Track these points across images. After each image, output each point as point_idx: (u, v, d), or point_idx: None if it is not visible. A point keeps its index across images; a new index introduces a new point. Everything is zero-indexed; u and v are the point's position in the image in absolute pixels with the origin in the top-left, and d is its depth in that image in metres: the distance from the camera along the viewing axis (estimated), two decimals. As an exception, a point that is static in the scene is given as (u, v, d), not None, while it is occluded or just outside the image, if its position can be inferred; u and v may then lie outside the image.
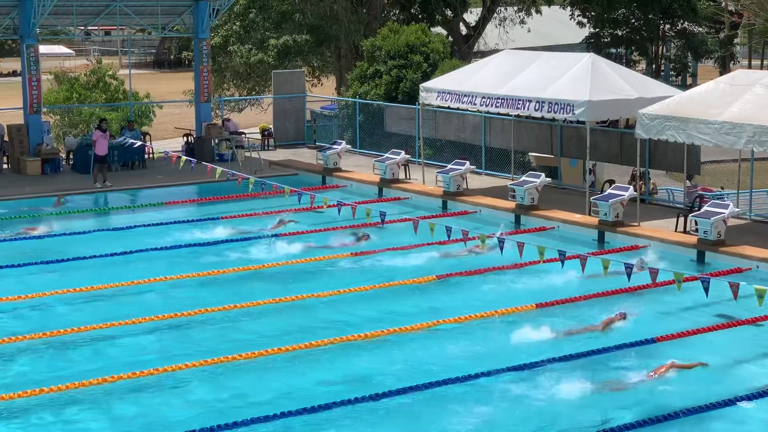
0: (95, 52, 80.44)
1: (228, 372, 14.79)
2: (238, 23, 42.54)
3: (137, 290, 18.72)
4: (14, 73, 72.80)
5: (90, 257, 20.72)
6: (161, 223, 23.72)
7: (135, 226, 23.58)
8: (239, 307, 17.51)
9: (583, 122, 24.17)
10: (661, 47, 54.96)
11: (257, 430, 12.76)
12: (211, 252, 21.37)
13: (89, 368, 14.86)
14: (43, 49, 35.10)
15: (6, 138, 30.01)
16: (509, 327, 16.55)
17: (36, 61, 29.85)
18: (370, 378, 14.64)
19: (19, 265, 20.05)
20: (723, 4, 57.93)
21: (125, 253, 21.04)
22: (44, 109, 31.69)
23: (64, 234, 22.74)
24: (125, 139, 29.01)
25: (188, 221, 24.04)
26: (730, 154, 28.44)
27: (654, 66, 53.56)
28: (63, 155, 30.83)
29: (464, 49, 46.58)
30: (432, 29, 39.59)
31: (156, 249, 21.46)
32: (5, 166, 30.19)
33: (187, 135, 33.44)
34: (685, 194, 24.82)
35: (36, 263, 20.22)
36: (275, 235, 22.48)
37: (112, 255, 20.86)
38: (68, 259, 20.58)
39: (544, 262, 17.42)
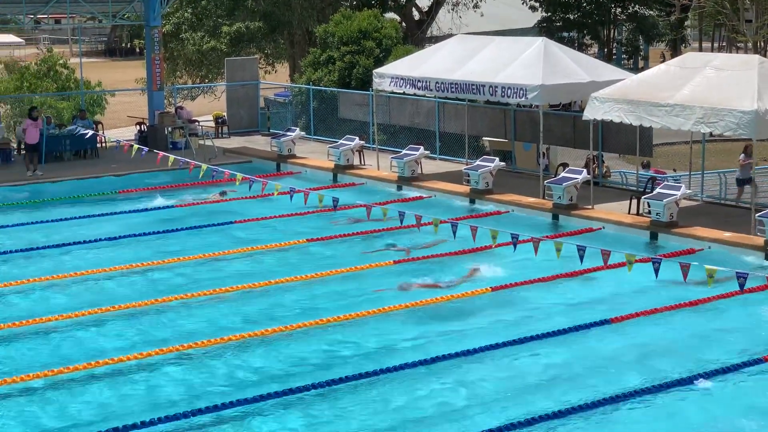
0: (46, 40, 79.44)
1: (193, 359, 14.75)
2: (189, 10, 42.18)
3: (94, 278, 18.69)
4: (-37, 63, 71.83)
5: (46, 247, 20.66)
6: (112, 213, 23.60)
7: (84, 217, 23.34)
8: (207, 294, 17.48)
9: (537, 106, 24.25)
10: (612, 31, 55.17)
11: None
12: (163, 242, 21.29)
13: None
14: (-9, 38, 34.58)
15: (-45, 129, 29.58)
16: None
17: (-16, 51, 29.37)
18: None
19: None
20: (673, -13, 58.24)
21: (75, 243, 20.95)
22: (-6, 99, 31.25)
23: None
24: (77, 128, 28.68)
25: (141, 210, 23.90)
26: (683, 136, 28.68)
27: (606, 50, 53.75)
28: (14, 145, 30.43)
29: (417, 34, 46.50)
30: (385, 15, 39.46)
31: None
32: (-46, 157, 29.74)
33: (139, 123, 33.14)
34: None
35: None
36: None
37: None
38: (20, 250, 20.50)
39: (496, 246, 17.44)
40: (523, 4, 53.91)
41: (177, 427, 12.53)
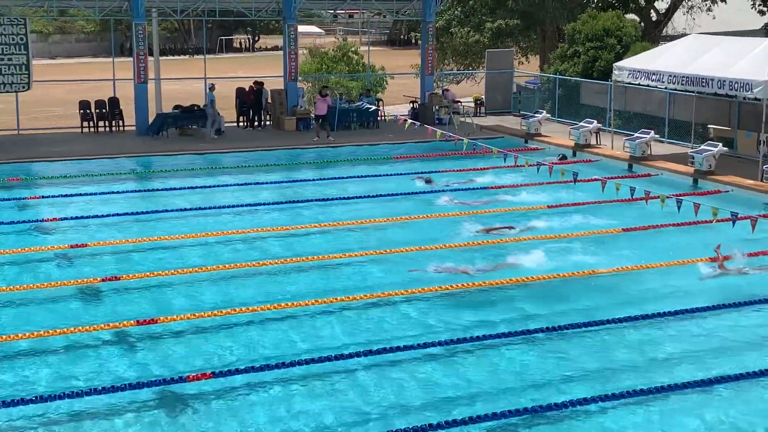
0: (341, 31, 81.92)
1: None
2: (459, 9, 42.35)
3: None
4: (276, 48, 75.14)
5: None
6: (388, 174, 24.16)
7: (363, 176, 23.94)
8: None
9: (760, 99, 22.89)
10: (836, 33, 51.03)
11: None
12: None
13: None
14: (300, 28, 36.02)
15: (269, 100, 31.19)
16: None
17: (294, 39, 30.74)
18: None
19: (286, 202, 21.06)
20: None
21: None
22: (300, 78, 32.61)
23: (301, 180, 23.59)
24: (363, 103, 29.56)
25: (409, 173, 24.35)
26: None
27: (829, 51, 49.89)
28: (312, 116, 31.68)
29: (654, 33, 44.71)
30: (626, 15, 38.20)
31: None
32: (268, 123, 31.41)
33: (413, 102, 33.74)
34: None
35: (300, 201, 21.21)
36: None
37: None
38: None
39: (716, 221, 16.68)
40: (752, 8, 50.78)
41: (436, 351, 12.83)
